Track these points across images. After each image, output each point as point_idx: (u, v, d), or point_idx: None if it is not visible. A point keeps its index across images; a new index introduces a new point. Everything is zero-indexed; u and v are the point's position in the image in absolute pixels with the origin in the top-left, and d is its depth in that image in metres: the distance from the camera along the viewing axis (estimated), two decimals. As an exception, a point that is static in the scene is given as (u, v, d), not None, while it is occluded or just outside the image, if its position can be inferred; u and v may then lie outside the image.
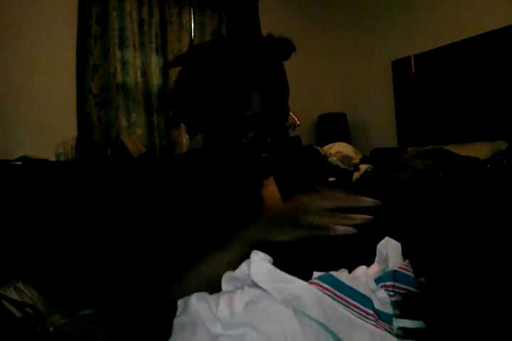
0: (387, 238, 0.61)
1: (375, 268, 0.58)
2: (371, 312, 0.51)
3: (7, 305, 1.52)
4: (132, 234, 0.72)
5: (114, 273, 0.69)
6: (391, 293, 0.54)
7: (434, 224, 1.76)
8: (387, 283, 0.55)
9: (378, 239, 0.61)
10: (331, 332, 0.49)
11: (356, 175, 2.42)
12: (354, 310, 0.51)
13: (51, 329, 1.53)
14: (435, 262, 1.57)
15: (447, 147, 2.23)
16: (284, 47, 0.76)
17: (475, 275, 1.55)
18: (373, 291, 0.54)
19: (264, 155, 0.72)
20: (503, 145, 2.17)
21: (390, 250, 0.59)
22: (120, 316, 0.63)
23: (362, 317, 0.50)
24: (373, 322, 0.50)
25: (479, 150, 2.11)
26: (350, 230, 0.53)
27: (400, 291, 0.55)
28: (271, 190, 0.83)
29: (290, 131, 0.76)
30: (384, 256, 0.60)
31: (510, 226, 1.59)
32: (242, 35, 0.78)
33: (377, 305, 0.52)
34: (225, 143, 0.73)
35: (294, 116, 0.77)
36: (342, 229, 0.53)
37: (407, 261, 0.59)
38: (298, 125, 0.77)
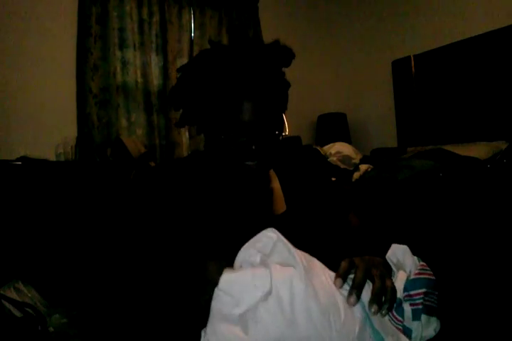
0: (392, 245, 0.60)
1: (402, 277, 0.57)
2: (400, 318, 0.54)
3: (7, 305, 1.52)
4: (132, 234, 0.72)
5: (113, 272, 0.69)
6: (418, 301, 0.54)
7: (434, 224, 1.76)
8: (411, 292, 0.55)
9: (378, 238, 0.62)
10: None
11: (356, 175, 2.42)
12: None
13: (51, 329, 1.53)
14: (435, 262, 1.57)
15: (447, 147, 2.23)
16: (282, 55, 0.75)
17: (475, 274, 1.54)
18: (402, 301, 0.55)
19: (249, 163, 0.72)
20: (503, 145, 2.16)
21: (400, 256, 0.59)
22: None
23: (392, 320, 0.53)
24: (400, 327, 0.53)
25: (479, 150, 2.11)
26: None
27: (429, 298, 0.56)
28: (275, 191, 0.83)
29: (279, 138, 0.75)
30: (396, 264, 0.59)
31: (510, 226, 1.59)
32: (240, 42, 0.77)
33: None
34: (217, 148, 0.73)
35: (286, 125, 0.77)
36: None
37: (422, 263, 0.59)
38: (286, 134, 0.76)
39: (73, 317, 1.59)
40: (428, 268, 0.58)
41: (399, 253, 0.59)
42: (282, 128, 0.75)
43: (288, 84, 0.78)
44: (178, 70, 0.78)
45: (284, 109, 0.78)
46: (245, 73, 0.70)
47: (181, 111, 0.80)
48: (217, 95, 0.71)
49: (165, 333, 0.61)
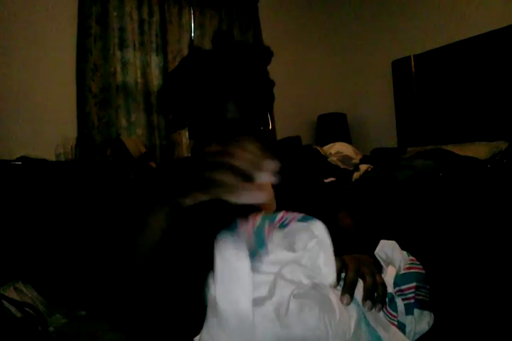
0: (380, 242, 0.61)
1: (391, 272, 0.57)
2: (394, 314, 0.53)
3: (7, 305, 1.52)
4: (131, 234, 0.72)
5: (111, 272, 0.70)
6: (410, 295, 0.54)
7: (434, 224, 1.76)
8: (402, 287, 0.55)
9: (378, 238, 0.62)
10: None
11: (356, 175, 2.42)
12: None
13: (51, 329, 1.53)
14: (435, 262, 1.57)
15: (447, 147, 2.23)
16: (262, 55, 0.78)
17: (475, 274, 1.55)
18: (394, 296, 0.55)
19: None
20: (503, 145, 2.17)
21: (388, 251, 0.59)
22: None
23: (386, 317, 0.53)
24: (395, 322, 0.52)
25: (479, 150, 2.11)
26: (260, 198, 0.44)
27: (420, 292, 0.55)
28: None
29: (266, 135, 0.77)
30: (385, 259, 0.59)
31: (510, 226, 1.59)
32: (220, 45, 0.82)
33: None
34: (205, 147, 0.75)
35: (270, 122, 0.79)
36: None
37: (411, 257, 0.59)
38: (269, 129, 0.79)
39: (74, 317, 1.59)
40: (417, 263, 0.58)
41: (387, 249, 0.59)
42: (268, 125, 0.78)
43: (272, 83, 0.81)
44: (165, 78, 0.81)
45: (270, 107, 0.81)
46: (227, 74, 0.73)
47: (171, 116, 0.82)
48: (202, 97, 0.74)
49: (162, 334, 0.61)
